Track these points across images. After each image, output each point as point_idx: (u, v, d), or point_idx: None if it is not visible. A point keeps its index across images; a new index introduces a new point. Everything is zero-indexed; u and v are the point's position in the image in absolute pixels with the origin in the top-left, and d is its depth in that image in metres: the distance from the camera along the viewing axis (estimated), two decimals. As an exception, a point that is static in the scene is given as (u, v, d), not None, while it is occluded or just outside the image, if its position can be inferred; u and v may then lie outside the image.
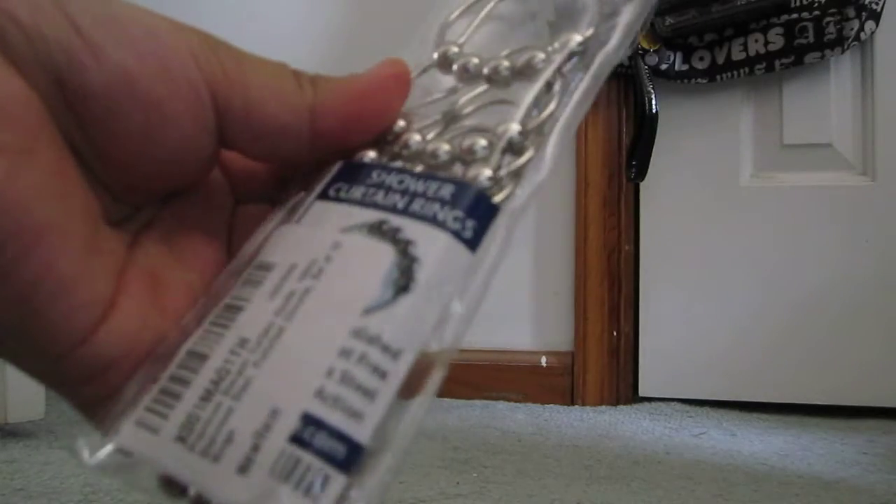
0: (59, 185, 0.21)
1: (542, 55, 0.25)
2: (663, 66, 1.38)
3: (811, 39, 1.31)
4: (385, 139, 0.25)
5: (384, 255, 0.22)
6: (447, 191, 0.23)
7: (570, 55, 0.25)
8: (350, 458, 0.20)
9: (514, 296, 1.45)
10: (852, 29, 1.29)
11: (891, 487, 0.91)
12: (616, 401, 1.39)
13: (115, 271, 0.22)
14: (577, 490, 0.88)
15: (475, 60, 0.26)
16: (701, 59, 1.38)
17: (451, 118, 0.26)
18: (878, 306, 1.33)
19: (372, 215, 0.23)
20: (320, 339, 0.21)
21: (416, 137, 0.25)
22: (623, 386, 1.41)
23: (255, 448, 0.19)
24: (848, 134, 1.37)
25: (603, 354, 1.40)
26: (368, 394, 0.20)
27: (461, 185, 0.23)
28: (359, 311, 0.21)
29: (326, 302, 0.21)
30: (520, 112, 0.25)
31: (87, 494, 0.83)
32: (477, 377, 1.40)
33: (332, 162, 0.25)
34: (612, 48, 0.25)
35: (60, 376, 0.22)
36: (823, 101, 1.37)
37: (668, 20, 1.34)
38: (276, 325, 0.21)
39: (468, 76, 0.26)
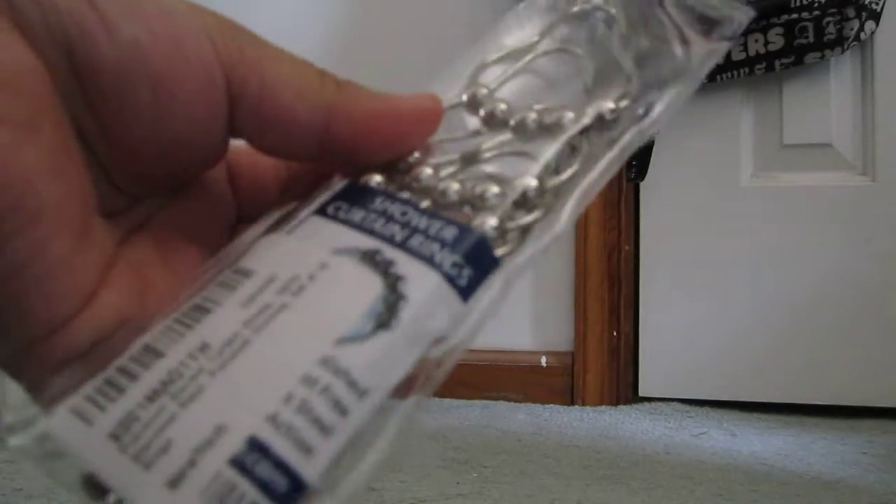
0: (61, 166, 0.20)
1: (571, 115, 0.25)
2: (663, 66, 1.38)
3: (811, 39, 1.31)
4: (396, 166, 0.24)
5: (371, 286, 0.21)
6: (450, 233, 0.22)
7: (601, 121, 0.25)
8: (290, 494, 0.18)
9: (514, 296, 1.44)
10: (852, 29, 1.29)
11: (890, 487, 0.91)
12: (616, 401, 1.39)
13: (102, 263, 0.22)
14: (577, 490, 0.88)
15: (503, 107, 0.26)
16: (701, 59, 1.38)
17: (468, 160, 0.25)
18: (879, 306, 1.33)
19: (367, 242, 0.22)
20: (285, 360, 0.19)
21: (429, 171, 0.24)
22: (623, 386, 1.41)
23: (192, 463, 0.18)
24: (848, 134, 1.37)
25: (603, 354, 1.40)
26: (325, 429, 0.19)
27: (465, 230, 0.22)
28: (332, 340, 0.20)
29: (300, 322, 0.20)
30: (537, 167, 0.24)
31: (87, 494, 0.83)
32: (477, 377, 1.40)
33: (334, 175, 0.24)
34: (646, 126, 0.25)
35: (28, 363, 0.21)
36: (823, 101, 1.37)
37: (668, 20, 1.34)
38: (242, 335, 0.20)
39: (494, 122, 0.26)
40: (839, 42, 1.30)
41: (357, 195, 0.23)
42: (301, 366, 0.19)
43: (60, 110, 0.20)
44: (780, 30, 1.33)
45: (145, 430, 0.19)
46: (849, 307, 1.34)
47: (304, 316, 0.20)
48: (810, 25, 1.31)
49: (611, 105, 0.25)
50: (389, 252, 0.21)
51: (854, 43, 1.31)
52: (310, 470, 0.18)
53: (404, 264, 0.21)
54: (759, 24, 1.33)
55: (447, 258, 0.21)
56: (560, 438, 1.13)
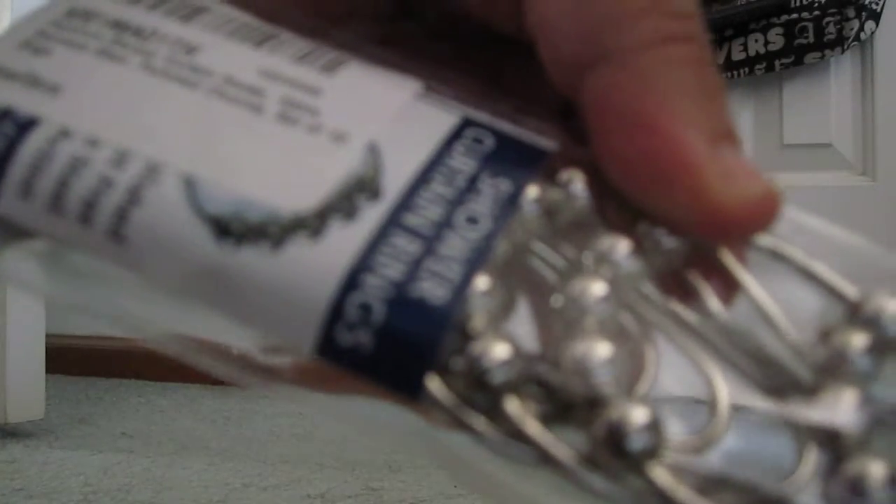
0: None
1: None
2: (663, 66, 1.38)
3: (811, 39, 1.31)
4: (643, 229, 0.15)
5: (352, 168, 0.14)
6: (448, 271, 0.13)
7: None
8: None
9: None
10: (852, 29, 1.30)
11: None
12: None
13: None
14: (577, 490, 0.88)
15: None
16: (701, 59, 1.38)
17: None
18: (878, 306, 1.33)
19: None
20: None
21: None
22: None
23: None
24: (848, 134, 1.37)
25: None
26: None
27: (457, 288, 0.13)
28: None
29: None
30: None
31: (87, 494, 0.84)
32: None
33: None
34: None
35: None
36: (823, 101, 1.37)
37: (668, 20, 1.34)
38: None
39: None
40: (839, 42, 1.30)
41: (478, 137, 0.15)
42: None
43: None
44: (780, 30, 1.33)
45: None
46: (849, 307, 1.34)
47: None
48: (810, 25, 1.31)
49: None
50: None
51: (854, 43, 1.31)
52: None
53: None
54: (760, 24, 1.34)
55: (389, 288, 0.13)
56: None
